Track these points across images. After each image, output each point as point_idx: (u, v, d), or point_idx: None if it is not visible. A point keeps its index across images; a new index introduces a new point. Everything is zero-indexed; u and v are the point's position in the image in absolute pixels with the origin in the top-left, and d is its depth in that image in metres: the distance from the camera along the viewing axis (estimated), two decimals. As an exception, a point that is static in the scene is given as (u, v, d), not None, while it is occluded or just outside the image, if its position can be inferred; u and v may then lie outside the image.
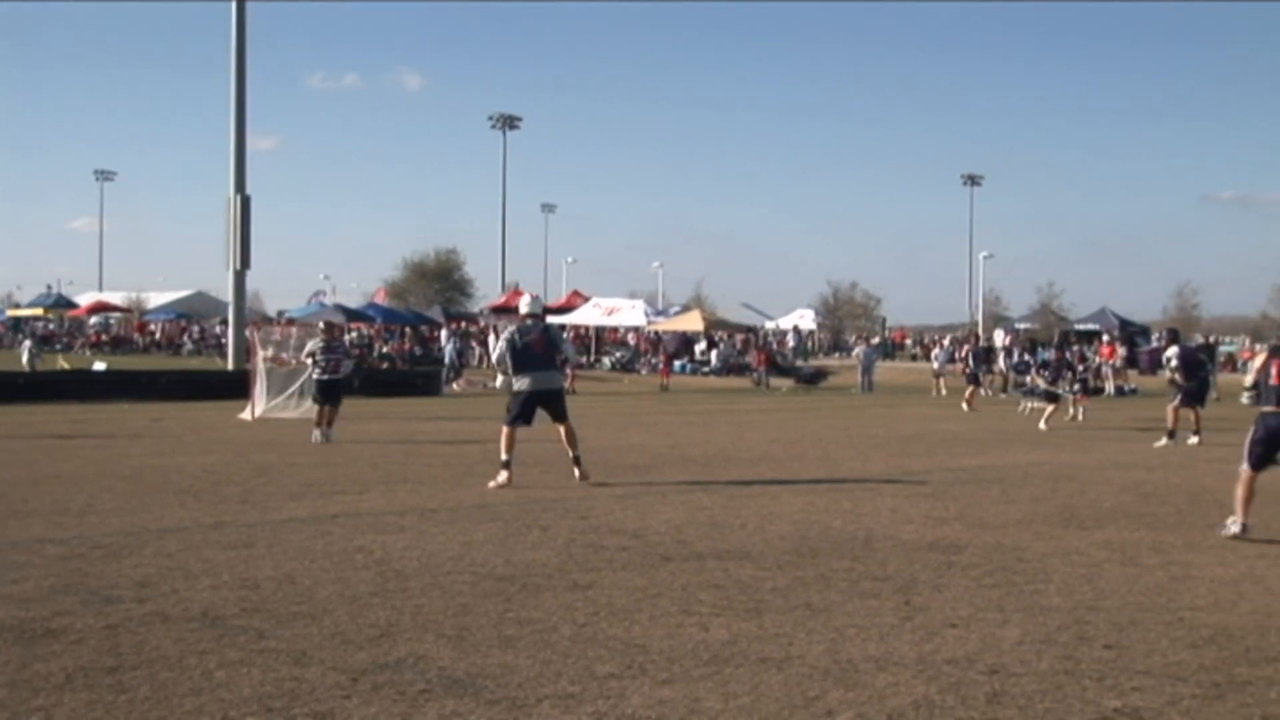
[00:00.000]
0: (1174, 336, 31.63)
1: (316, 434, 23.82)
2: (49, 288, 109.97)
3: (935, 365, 52.96)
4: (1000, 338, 70.18)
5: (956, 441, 25.06)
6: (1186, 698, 7.01)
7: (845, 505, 14.65)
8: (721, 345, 71.86)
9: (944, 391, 46.47)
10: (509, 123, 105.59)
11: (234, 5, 45.04)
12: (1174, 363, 26.63)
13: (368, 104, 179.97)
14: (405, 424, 29.29)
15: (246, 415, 30.34)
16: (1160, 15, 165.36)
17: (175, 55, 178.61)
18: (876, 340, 77.88)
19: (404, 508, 14.02)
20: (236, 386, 35.14)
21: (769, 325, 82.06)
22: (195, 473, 17.40)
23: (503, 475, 15.72)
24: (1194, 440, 25.20)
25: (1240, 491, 12.27)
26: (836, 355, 75.98)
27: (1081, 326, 78.22)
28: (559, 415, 16.59)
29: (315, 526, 11.28)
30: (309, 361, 25.30)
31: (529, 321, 17.50)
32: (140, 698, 6.64)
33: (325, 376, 24.93)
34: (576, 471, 16.45)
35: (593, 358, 70.05)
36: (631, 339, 77.02)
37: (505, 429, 16.23)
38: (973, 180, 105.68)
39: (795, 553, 11.41)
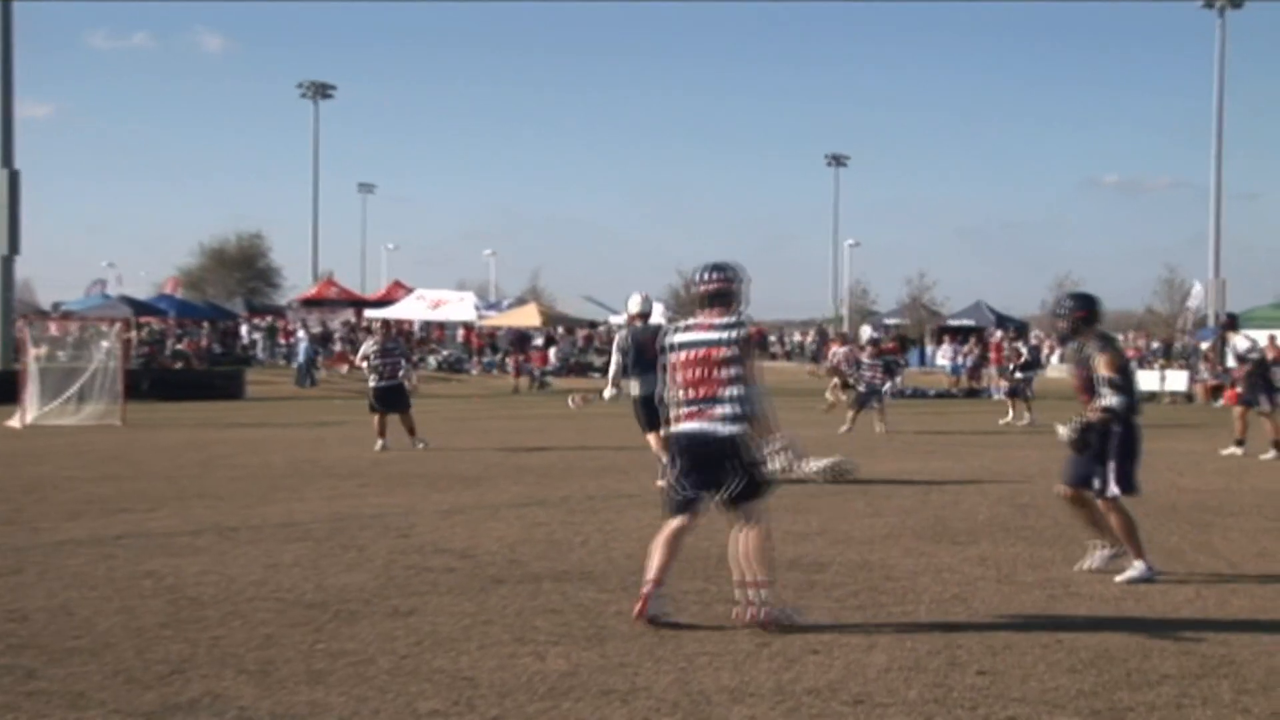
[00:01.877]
0: (1233, 324, 31.51)
1: (379, 444, 23.79)
2: None
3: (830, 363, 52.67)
4: (866, 333, 70.84)
5: (821, 448, 25.31)
6: (1066, 727, 7.18)
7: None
8: (560, 343, 71.91)
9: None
10: (321, 91, 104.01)
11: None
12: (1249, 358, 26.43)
13: (160, 67, 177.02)
14: (202, 431, 29.04)
15: (15, 423, 29.79)
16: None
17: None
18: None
19: (200, 526, 13.90)
20: (4, 389, 34.39)
21: (614, 320, 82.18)
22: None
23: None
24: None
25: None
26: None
27: (955, 322, 79.28)
28: None
29: (96, 549, 11.11)
30: (364, 366, 24.73)
31: (639, 323, 17.84)
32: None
33: (383, 383, 24.51)
34: None
35: (416, 356, 69.67)
36: (460, 335, 76.66)
37: (652, 436, 16.63)
38: (837, 161, 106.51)
39: (640, 573, 11.44)
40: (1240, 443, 25.25)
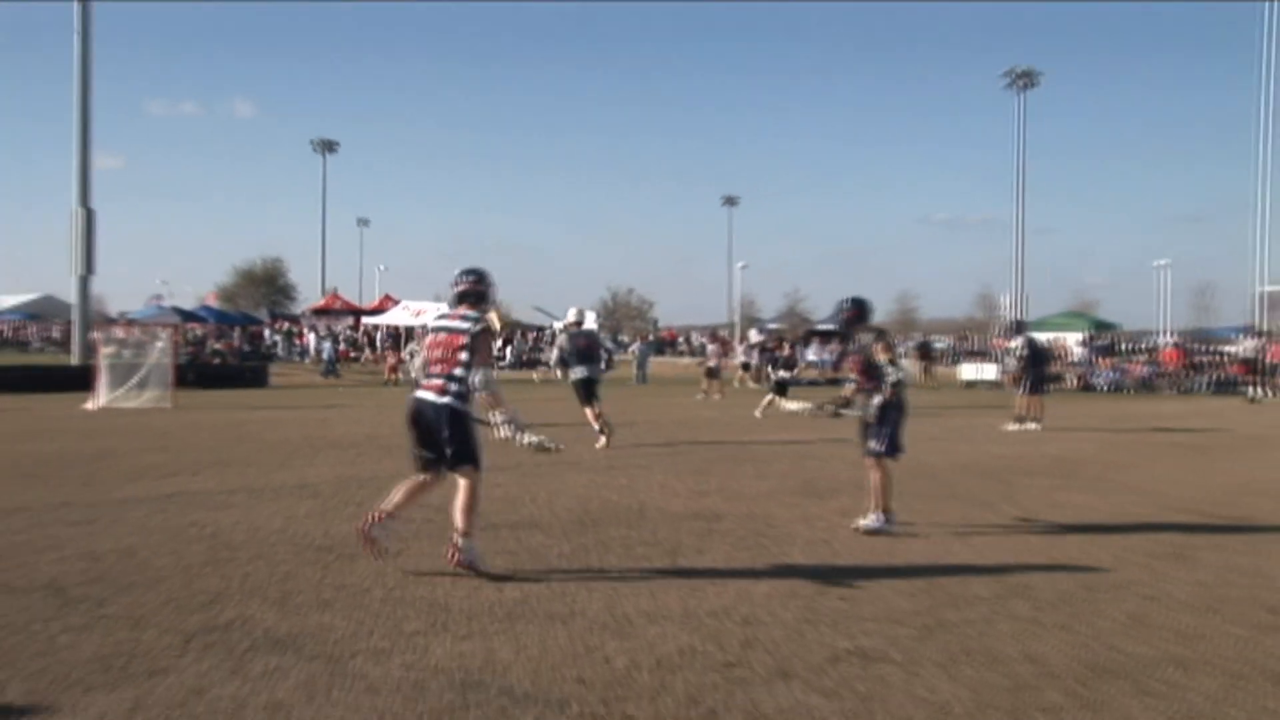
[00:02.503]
0: (1020, 328, 31.57)
1: None
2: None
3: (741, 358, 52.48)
4: (754, 335, 70.87)
5: (715, 425, 25.33)
6: (903, 638, 7.22)
7: (621, 481, 14.76)
8: (515, 343, 71.88)
9: (751, 384, 45.39)
10: (328, 146, 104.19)
11: (77, 38, 43.73)
12: (1024, 354, 26.39)
13: (204, 128, 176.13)
14: (234, 413, 28.70)
15: (90, 406, 29.65)
16: (881, 63, 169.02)
17: (22, 77, 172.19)
18: (650, 338, 78.31)
19: (233, 487, 13.79)
20: (80, 380, 34.15)
21: (556, 325, 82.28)
22: (42, 458, 16.91)
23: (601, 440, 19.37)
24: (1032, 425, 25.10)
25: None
26: (616, 351, 76.28)
27: (822, 326, 79.32)
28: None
29: (152, 505, 11.06)
30: (407, 357, 24.18)
31: (574, 328, 20.62)
32: (-9, 661, 6.50)
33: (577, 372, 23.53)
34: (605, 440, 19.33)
35: (405, 353, 69.35)
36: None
37: (588, 409, 20.00)
38: (730, 201, 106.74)
39: (579, 523, 11.47)
40: (1020, 420, 25.29)
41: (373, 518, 8.96)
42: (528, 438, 9.24)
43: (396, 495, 9.20)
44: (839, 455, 18.33)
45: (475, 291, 9.46)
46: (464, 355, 9.02)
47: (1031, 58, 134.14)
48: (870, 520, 11.13)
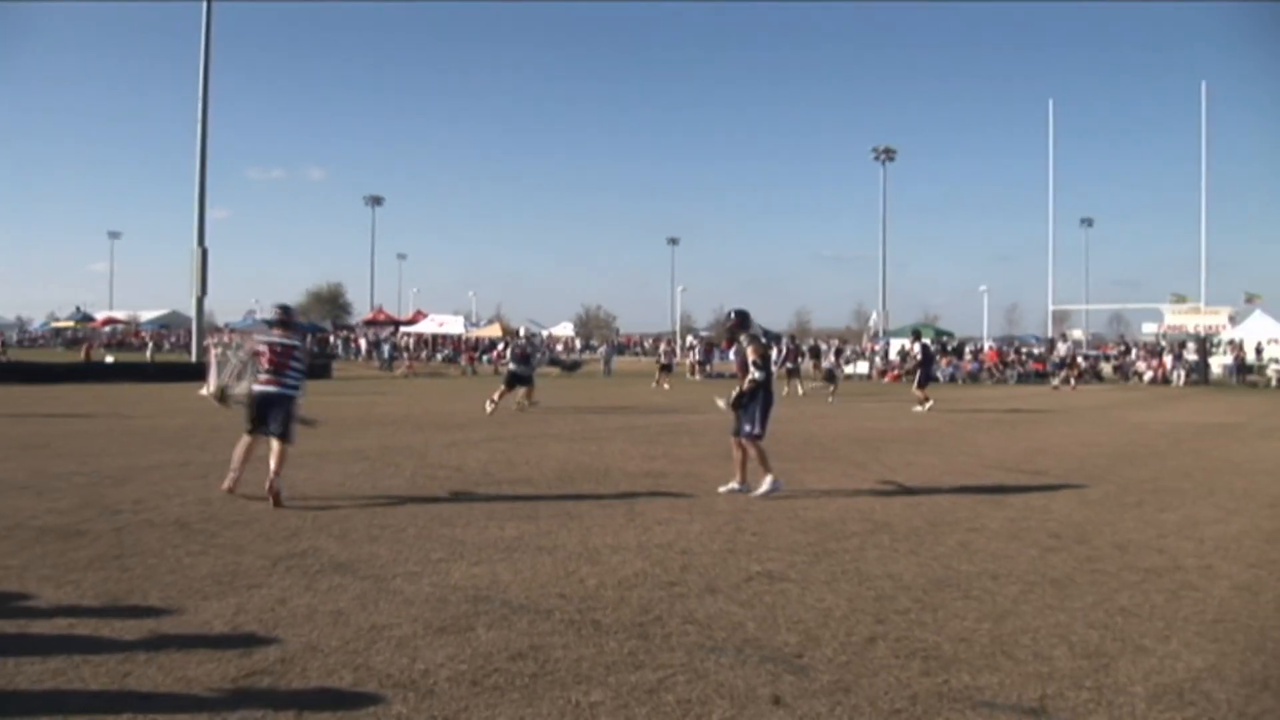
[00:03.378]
0: (917, 336, 31.74)
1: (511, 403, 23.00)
2: (77, 308, 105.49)
3: (694, 357, 52.21)
4: (689, 340, 70.91)
5: (665, 406, 25.33)
6: (799, 562, 7.26)
7: (592, 449, 14.75)
8: (510, 346, 71.67)
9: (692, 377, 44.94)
10: (376, 200, 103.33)
11: (200, 122, 43.39)
12: (919, 356, 26.38)
13: (287, 188, 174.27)
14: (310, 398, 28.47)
15: (203, 391, 29.35)
16: (786, 135, 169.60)
17: (157, 145, 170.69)
18: (615, 343, 78.20)
19: (303, 452, 13.69)
20: (197, 372, 33.83)
21: (544, 333, 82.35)
22: (172, 430, 16.75)
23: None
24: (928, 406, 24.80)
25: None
26: (588, 352, 76.08)
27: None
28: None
29: (251, 465, 10.93)
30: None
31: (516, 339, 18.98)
32: (136, 575, 6.51)
33: (513, 366, 23.34)
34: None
35: (431, 353, 69.16)
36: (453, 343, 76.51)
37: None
38: (673, 241, 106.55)
39: (560, 480, 11.46)
40: (922, 403, 25.10)
41: (237, 480, 9.90)
42: (304, 415, 10.11)
43: (236, 458, 10.04)
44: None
45: (289, 321, 10.45)
46: (294, 359, 10.07)
47: (893, 138, 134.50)
48: (766, 485, 10.47)
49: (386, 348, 63.89)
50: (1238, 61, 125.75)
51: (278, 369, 9.91)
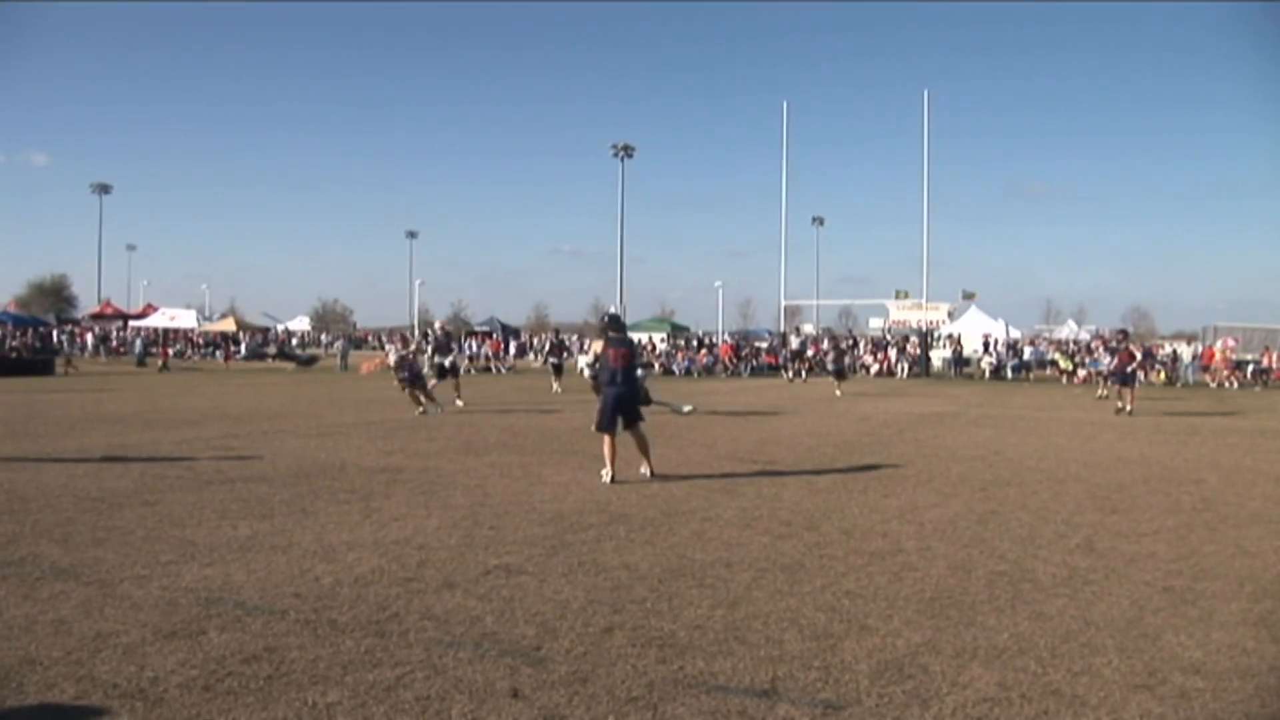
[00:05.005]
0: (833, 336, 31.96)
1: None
2: None
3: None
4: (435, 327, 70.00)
5: (399, 402, 25.05)
6: (537, 555, 7.42)
7: (329, 444, 14.48)
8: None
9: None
10: (104, 189, 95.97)
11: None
12: (831, 354, 26.39)
13: (6, 173, 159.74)
14: (26, 395, 26.59)
15: None
16: (526, 129, 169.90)
17: None
18: (350, 336, 76.45)
19: (26, 453, 12.91)
20: None
21: (279, 326, 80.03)
22: None
23: None
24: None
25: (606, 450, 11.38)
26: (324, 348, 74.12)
27: (478, 328, 79.24)
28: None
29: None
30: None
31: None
32: None
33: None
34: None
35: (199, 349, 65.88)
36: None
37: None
38: (412, 234, 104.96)
39: (295, 476, 11.23)
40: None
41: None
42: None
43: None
44: (489, 423, 18.49)
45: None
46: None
47: (631, 135, 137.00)
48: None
49: (138, 342, 60.90)
50: (960, 69, 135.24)
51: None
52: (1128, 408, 24.30)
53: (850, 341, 60.17)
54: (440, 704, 4.50)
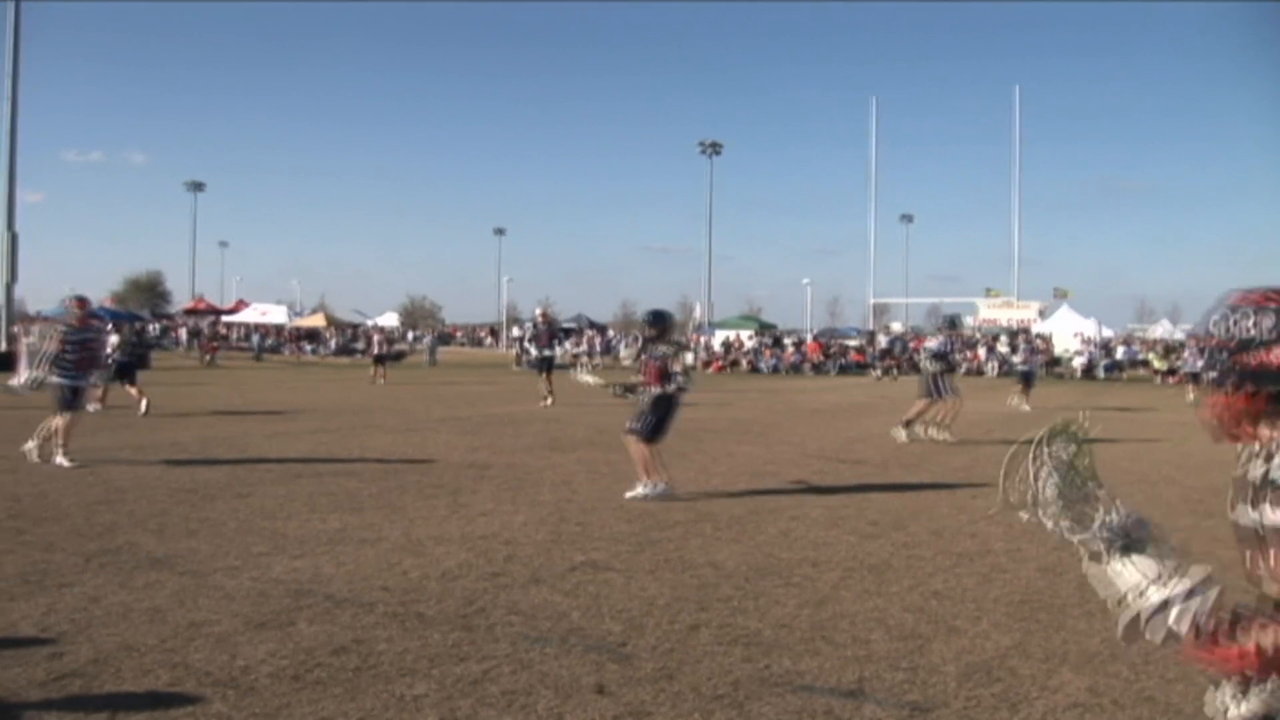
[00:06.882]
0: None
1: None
2: None
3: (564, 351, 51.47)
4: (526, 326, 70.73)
5: (487, 398, 25.26)
6: (623, 552, 7.43)
7: (415, 440, 14.65)
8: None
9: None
10: (198, 187, 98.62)
11: (10, 100, 40.65)
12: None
13: (107, 172, 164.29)
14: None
15: (14, 382, 27.78)
16: (615, 128, 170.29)
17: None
18: (439, 333, 77.34)
19: (121, 444, 13.27)
20: (8, 361, 32.12)
21: (368, 323, 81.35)
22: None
23: None
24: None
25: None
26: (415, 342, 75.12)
27: (566, 325, 79.73)
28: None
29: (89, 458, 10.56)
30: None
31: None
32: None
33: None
34: None
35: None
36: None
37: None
38: (499, 231, 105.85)
39: (383, 470, 11.38)
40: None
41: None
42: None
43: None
44: (577, 420, 18.54)
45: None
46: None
47: (719, 132, 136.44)
48: (638, 490, 9.89)
49: (256, 338, 63.04)
50: (1053, 65, 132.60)
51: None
52: None
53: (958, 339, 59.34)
54: (526, 698, 4.51)
